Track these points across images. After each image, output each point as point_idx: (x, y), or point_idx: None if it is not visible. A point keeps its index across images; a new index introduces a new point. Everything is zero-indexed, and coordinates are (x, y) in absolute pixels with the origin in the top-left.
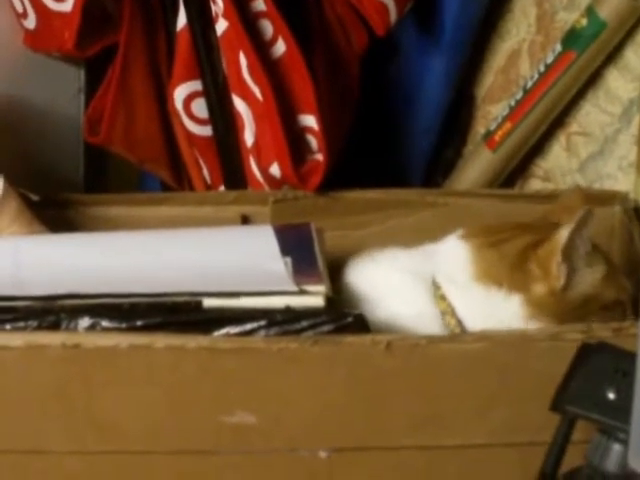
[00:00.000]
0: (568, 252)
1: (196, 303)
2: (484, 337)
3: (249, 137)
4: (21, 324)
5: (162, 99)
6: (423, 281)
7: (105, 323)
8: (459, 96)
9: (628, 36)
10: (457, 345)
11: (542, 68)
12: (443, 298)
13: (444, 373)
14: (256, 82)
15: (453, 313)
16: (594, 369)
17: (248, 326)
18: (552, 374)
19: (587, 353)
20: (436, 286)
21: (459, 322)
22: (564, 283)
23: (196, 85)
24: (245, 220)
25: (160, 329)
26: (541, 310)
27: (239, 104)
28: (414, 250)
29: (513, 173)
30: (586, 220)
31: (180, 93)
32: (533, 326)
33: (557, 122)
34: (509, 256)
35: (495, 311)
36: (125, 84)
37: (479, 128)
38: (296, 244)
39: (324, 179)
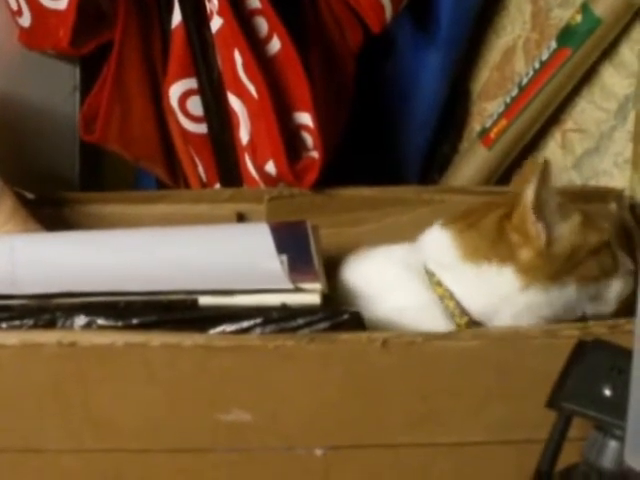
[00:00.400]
0: (539, 209)
1: (192, 301)
2: (480, 334)
3: (244, 135)
4: (17, 322)
5: (157, 97)
6: (416, 271)
7: (101, 321)
8: (454, 92)
9: (623, 32)
10: (453, 342)
11: (537, 65)
12: (439, 284)
13: (440, 370)
14: (251, 80)
15: (452, 296)
16: (590, 366)
17: (244, 324)
18: (548, 371)
19: (583, 350)
20: (430, 273)
21: (458, 304)
22: (546, 240)
23: (191, 83)
24: (241, 218)
25: (156, 327)
26: (535, 275)
27: (234, 102)
28: (403, 244)
29: (509, 170)
30: (545, 175)
31: (175, 91)
32: (531, 295)
33: (552, 119)
34: (488, 232)
35: (491, 287)
36: (120, 82)
37: (475, 124)
38: (292, 242)
39: (320, 176)
